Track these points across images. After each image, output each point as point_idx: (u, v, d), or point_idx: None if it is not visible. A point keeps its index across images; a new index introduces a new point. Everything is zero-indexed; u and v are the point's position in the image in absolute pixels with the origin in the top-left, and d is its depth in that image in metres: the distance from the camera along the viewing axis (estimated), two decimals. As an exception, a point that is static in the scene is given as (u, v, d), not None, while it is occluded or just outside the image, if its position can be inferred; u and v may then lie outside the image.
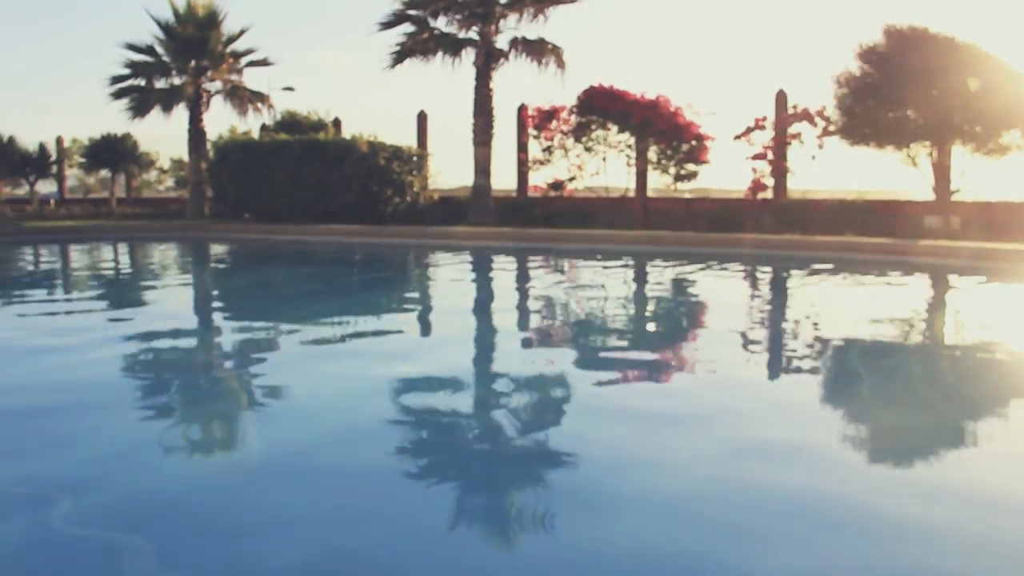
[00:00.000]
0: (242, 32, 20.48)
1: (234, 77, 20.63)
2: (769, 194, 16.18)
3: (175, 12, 19.93)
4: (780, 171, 16.08)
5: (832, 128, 15.16)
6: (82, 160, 24.67)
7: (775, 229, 14.24)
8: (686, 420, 3.86)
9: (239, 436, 3.90)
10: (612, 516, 2.77)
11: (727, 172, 17.56)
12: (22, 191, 26.47)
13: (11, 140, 24.25)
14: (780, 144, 16.03)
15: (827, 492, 2.95)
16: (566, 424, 3.93)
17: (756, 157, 16.16)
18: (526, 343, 6.26)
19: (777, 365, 5.35)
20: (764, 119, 16.16)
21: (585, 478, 3.18)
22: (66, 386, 4.76)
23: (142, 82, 20.54)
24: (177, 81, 20.41)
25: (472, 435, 3.89)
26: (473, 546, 2.67)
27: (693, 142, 16.79)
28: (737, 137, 16.33)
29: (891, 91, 13.73)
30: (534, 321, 7.26)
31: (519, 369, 5.26)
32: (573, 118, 17.74)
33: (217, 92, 20.62)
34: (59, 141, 25.24)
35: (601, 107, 17.22)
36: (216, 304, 8.98)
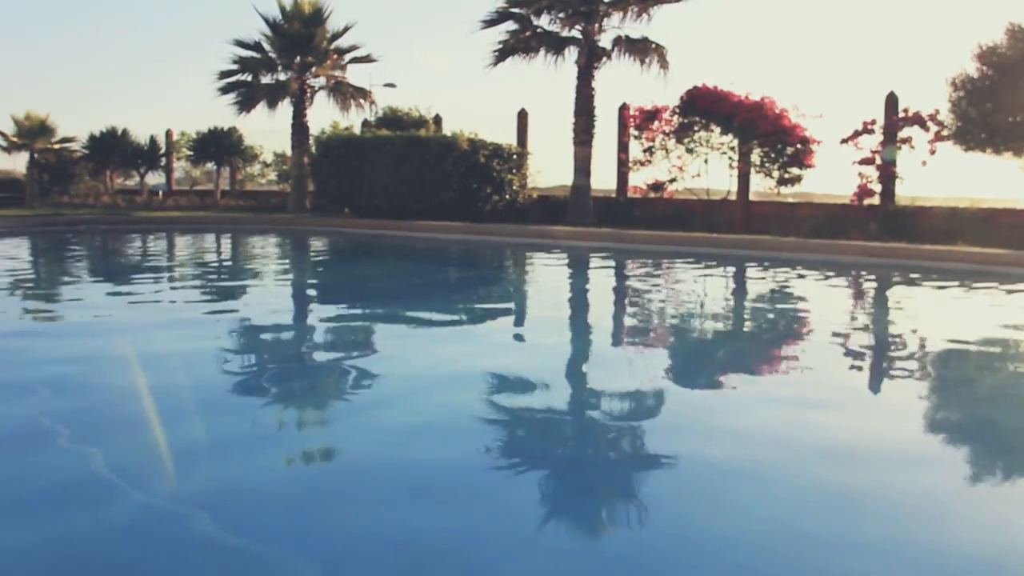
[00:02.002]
0: (346, 29, 20.80)
1: (337, 73, 20.95)
2: (876, 200, 15.71)
3: (282, 9, 20.34)
4: (888, 176, 15.61)
5: (945, 133, 14.62)
6: (189, 153, 25.30)
7: (881, 236, 13.83)
8: (782, 425, 3.75)
9: (336, 428, 3.92)
10: (713, 520, 2.69)
11: (832, 176, 17.13)
12: (132, 182, 27.31)
13: (124, 133, 25.04)
14: (889, 148, 15.56)
15: (949, 501, 2.81)
16: (659, 427, 3.86)
17: (863, 162, 15.70)
18: (622, 344, 6.18)
19: (879, 377, 5.17)
20: (873, 122, 15.70)
21: (684, 483, 3.10)
22: (167, 370, 4.88)
23: (249, 77, 21.02)
24: (282, 77, 20.83)
25: (567, 433, 3.86)
26: (570, 546, 2.62)
27: (798, 145, 16.40)
28: (844, 141, 15.89)
29: (1012, 94, 13.18)
30: (631, 323, 7.15)
31: (614, 370, 5.20)
32: (675, 119, 17.50)
33: (321, 88, 20.99)
34: (168, 134, 25.96)
35: (704, 108, 16.95)
36: (314, 297, 9.10)
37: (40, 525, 2.69)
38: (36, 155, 23.52)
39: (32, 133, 23.21)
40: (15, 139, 23.16)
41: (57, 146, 24.13)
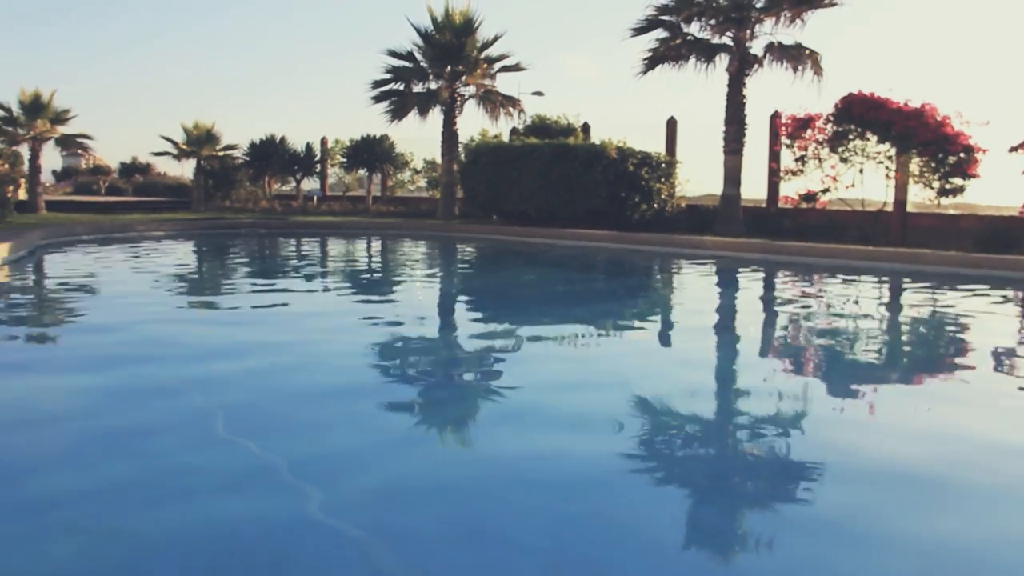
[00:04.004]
0: (496, 38, 21.04)
1: (487, 82, 21.22)
2: (1048, 212, 14.92)
3: (433, 20, 20.73)
4: (1062, 186, 14.79)
5: None
6: (343, 160, 26.14)
7: (1054, 251, 13.13)
8: (937, 454, 3.64)
9: (487, 433, 4.02)
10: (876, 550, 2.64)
11: (999, 187, 16.28)
12: (289, 187, 28.38)
13: (282, 140, 26.11)
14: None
15: None
16: (807, 446, 3.83)
17: (1034, 171, 14.93)
18: (771, 359, 6.10)
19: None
20: (1046, 129, 14.90)
21: (834, 508, 3.06)
22: (312, 372, 5.13)
23: (401, 86, 21.52)
24: (433, 85, 21.25)
25: (714, 448, 3.88)
26: (710, 564, 2.62)
27: (961, 154, 15.70)
28: (1013, 149, 15.14)
29: None
30: (781, 338, 7.05)
31: (761, 386, 5.17)
32: (829, 127, 17.02)
33: (471, 96, 21.29)
34: (323, 142, 26.85)
35: (860, 116, 16.42)
36: (461, 302, 9.32)
37: (205, 514, 2.89)
38: (202, 162, 24.73)
39: (199, 141, 24.44)
40: (184, 147, 24.41)
41: (221, 153, 25.32)
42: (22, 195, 21.98)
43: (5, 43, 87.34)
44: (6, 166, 22.41)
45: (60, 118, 22.02)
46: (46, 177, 28.25)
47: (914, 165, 16.14)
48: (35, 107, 21.40)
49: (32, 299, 8.45)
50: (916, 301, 9.73)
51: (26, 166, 22.51)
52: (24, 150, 22.60)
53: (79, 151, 23.95)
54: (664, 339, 7.00)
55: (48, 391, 4.58)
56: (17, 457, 3.50)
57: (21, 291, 9.08)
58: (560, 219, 17.31)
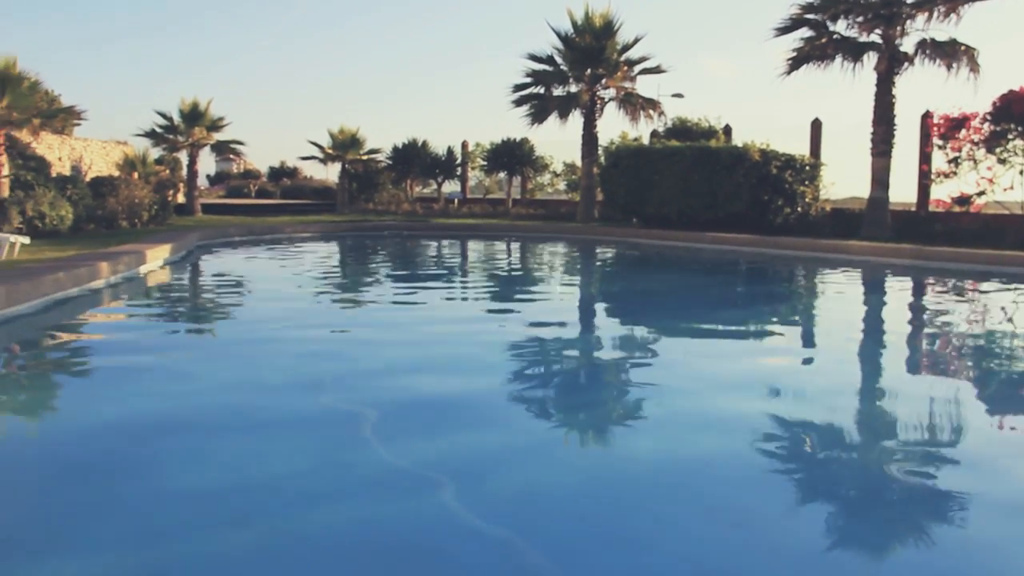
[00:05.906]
0: (636, 40, 20.98)
1: (627, 84, 21.19)
2: None
3: (574, 23, 20.84)
4: None
5: None
6: (483, 163, 26.52)
7: None
8: None
9: (626, 440, 4.04)
10: None
11: None
12: (429, 190, 28.98)
13: (424, 144, 26.71)
14: None
15: None
16: (959, 462, 3.72)
17: None
18: (921, 372, 5.96)
19: None
20: None
21: (990, 531, 2.96)
22: (450, 372, 5.26)
23: (541, 90, 21.73)
24: (573, 89, 21.36)
25: (861, 461, 3.80)
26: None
27: None
28: None
29: None
30: (933, 350, 6.79)
31: (912, 400, 5.06)
32: (986, 126, 16.27)
33: (611, 99, 21.31)
34: (464, 145, 27.29)
35: (1021, 114, 15.66)
36: (601, 304, 9.40)
37: (349, 511, 3.01)
38: (347, 166, 25.52)
39: (344, 145, 25.24)
40: (330, 151, 25.24)
41: (365, 157, 26.08)
42: (180, 198, 23.18)
43: (165, 52, 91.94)
44: (167, 171, 23.72)
45: (216, 125, 23.06)
46: (201, 181, 29.64)
47: (1081, 165, 15.29)
48: (193, 115, 22.45)
49: (192, 296, 8.92)
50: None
51: (184, 171, 23.71)
52: (183, 156, 23.83)
53: (232, 156, 25.03)
54: (809, 346, 6.87)
55: (204, 385, 4.84)
56: (184, 448, 3.70)
57: (183, 289, 9.60)
58: (700, 222, 17.15)
